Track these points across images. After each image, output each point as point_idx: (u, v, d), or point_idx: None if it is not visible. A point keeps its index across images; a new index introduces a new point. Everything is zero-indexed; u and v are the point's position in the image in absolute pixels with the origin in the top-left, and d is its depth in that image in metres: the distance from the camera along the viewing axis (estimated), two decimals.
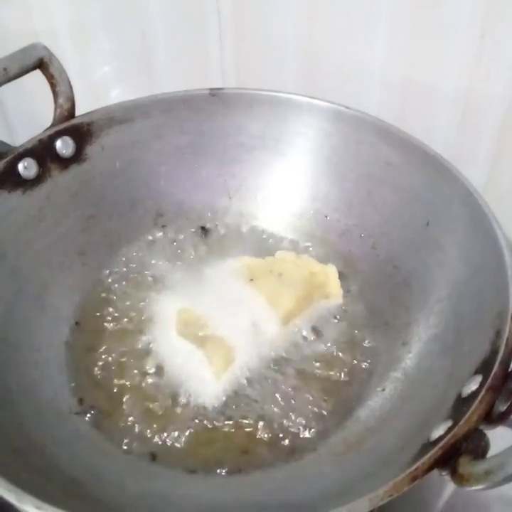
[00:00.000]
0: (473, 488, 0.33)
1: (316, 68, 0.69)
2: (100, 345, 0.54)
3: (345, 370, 0.52)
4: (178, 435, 0.48)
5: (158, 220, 0.63)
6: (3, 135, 0.89)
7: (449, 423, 0.37)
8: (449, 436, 0.35)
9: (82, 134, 0.58)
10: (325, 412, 0.49)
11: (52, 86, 0.56)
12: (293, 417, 0.49)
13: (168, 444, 0.47)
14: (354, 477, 0.42)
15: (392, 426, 0.46)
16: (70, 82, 0.57)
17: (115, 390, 0.51)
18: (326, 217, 0.61)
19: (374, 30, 0.63)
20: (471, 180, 0.50)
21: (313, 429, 0.48)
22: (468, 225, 0.49)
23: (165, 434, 0.48)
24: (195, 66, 0.77)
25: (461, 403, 0.38)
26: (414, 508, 0.55)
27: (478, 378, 0.39)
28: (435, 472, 0.35)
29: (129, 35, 0.78)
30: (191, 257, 0.61)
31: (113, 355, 0.53)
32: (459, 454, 0.35)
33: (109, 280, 0.59)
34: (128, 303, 0.57)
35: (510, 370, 0.38)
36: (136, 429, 0.48)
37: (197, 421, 0.48)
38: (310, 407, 0.50)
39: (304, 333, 0.55)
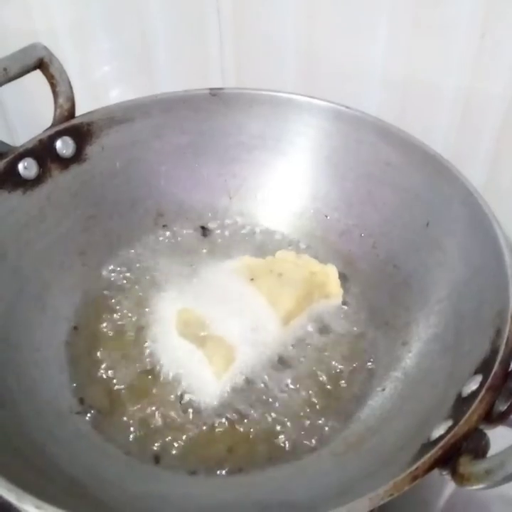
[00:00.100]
0: (474, 487, 0.33)
1: (316, 68, 0.69)
2: (100, 345, 0.54)
3: (346, 369, 0.52)
4: (179, 435, 0.48)
5: (159, 220, 0.63)
6: (3, 135, 0.89)
7: (450, 423, 0.37)
8: (449, 435, 0.35)
9: (82, 134, 0.58)
10: (325, 412, 0.49)
11: (53, 86, 0.56)
12: (293, 417, 0.49)
13: (168, 444, 0.47)
14: (354, 477, 0.42)
15: (392, 425, 0.46)
16: (70, 82, 0.57)
17: (115, 390, 0.51)
18: (326, 216, 0.61)
19: (374, 30, 0.63)
20: (471, 180, 0.50)
21: (313, 429, 0.48)
22: (468, 224, 0.49)
23: (165, 434, 0.48)
24: (195, 66, 0.77)
25: (462, 403, 0.38)
26: (415, 508, 0.55)
27: (479, 378, 0.39)
28: (435, 472, 0.35)
29: (128, 35, 0.78)
30: (191, 256, 0.61)
31: (113, 355, 0.53)
32: (459, 453, 0.35)
33: (110, 280, 0.59)
34: (128, 303, 0.57)
35: (510, 369, 0.38)
36: (137, 429, 0.48)
37: (197, 421, 0.48)
38: (310, 406, 0.50)
39: (304, 332, 0.54)
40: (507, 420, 0.37)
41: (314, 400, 0.50)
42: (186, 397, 0.50)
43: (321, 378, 0.51)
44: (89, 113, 0.58)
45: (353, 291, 0.58)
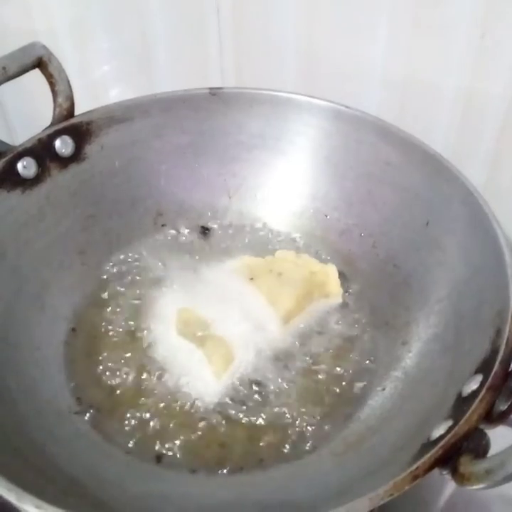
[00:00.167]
0: (474, 487, 0.33)
1: (315, 67, 0.69)
2: (100, 345, 0.54)
3: (345, 369, 0.52)
4: (178, 434, 0.48)
5: (158, 219, 0.63)
6: (3, 134, 0.89)
7: (450, 422, 0.37)
8: (449, 435, 0.35)
9: (81, 133, 0.58)
10: (325, 412, 0.49)
11: (52, 85, 0.56)
12: (293, 416, 0.49)
13: (168, 443, 0.47)
14: (354, 476, 0.42)
15: (392, 425, 0.46)
16: (69, 82, 0.57)
17: (115, 390, 0.51)
18: (326, 216, 0.61)
19: (374, 30, 0.63)
20: (471, 179, 0.50)
21: (313, 429, 0.48)
22: (468, 224, 0.49)
23: (165, 434, 0.48)
24: (195, 65, 0.77)
25: (462, 402, 0.38)
26: (415, 508, 0.55)
27: (479, 377, 0.39)
28: (436, 471, 0.35)
29: (128, 34, 0.78)
30: (191, 256, 0.61)
31: (113, 354, 0.53)
32: (459, 453, 0.35)
33: (109, 279, 0.59)
34: (128, 302, 0.57)
35: (510, 369, 0.38)
36: (136, 429, 0.48)
37: (197, 420, 0.48)
38: (310, 406, 0.50)
39: (304, 332, 0.54)
40: (507, 420, 0.37)
41: (314, 399, 0.50)
42: (186, 397, 0.50)
43: (321, 378, 0.51)
44: (88, 112, 0.58)
45: (352, 290, 0.58)
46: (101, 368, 0.52)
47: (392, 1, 0.60)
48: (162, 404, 0.49)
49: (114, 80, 0.82)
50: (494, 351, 0.40)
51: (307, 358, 0.53)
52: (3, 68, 0.52)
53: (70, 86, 0.57)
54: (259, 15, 0.69)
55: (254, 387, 0.50)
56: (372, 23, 0.63)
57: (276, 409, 0.49)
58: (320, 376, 0.52)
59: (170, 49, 0.76)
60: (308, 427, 0.48)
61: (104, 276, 0.59)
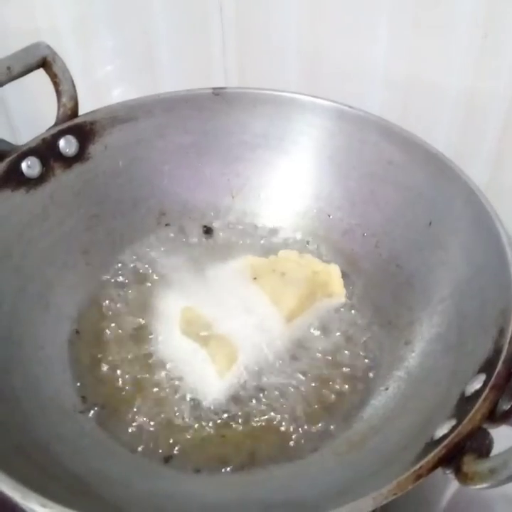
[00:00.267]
0: (478, 486, 0.33)
1: (318, 67, 0.69)
2: (103, 344, 0.54)
3: (348, 369, 0.52)
4: (182, 433, 0.48)
5: (162, 219, 0.63)
6: (6, 134, 0.89)
7: (453, 422, 0.37)
8: (453, 434, 0.35)
9: (85, 133, 0.58)
10: (328, 411, 0.49)
11: (56, 85, 0.56)
12: (296, 416, 0.49)
13: (172, 442, 0.47)
14: (357, 476, 0.42)
15: (395, 425, 0.46)
16: (73, 81, 0.57)
17: (119, 388, 0.51)
18: (329, 216, 0.61)
19: (376, 30, 0.63)
20: (474, 178, 0.51)
21: (316, 428, 0.48)
22: (470, 223, 0.50)
23: (168, 433, 0.48)
24: (198, 65, 0.77)
25: (465, 402, 0.39)
26: (417, 507, 0.55)
27: (482, 377, 0.39)
28: (438, 471, 0.35)
29: (131, 33, 0.78)
30: (194, 256, 0.61)
31: (116, 353, 0.53)
32: (463, 452, 0.35)
33: (113, 279, 0.59)
34: (131, 301, 0.57)
35: None
36: (140, 428, 0.48)
37: (200, 419, 0.49)
38: (313, 405, 0.50)
39: (307, 331, 0.55)
40: (510, 419, 0.37)
41: (317, 398, 0.50)
42: (189, 396, 0.50)
43: (324, 377, 0.51)
44: (92, 112, 0.58)
45: (355, 290, 0.58)
46: (105, 366, 0.52)
47: (394, 1, 0.60)
48: (165, 404, 0.50)
49: (116, 79, 0.82)
50: (497, 351, 0.40)
51: (310, 358, 0.53)
52: (8, 68, 0.53)
53: (74, 86, 0.57)
54: (262, 15, 0.69)
55: (258, 387, 0.50)
56: (374, 23, 0.63)
57: (279, 409, 0.49)
58: (323, 375, 0.52)
59: (173, 49, 0.76)
60: (311, 427, 0.48)
61: (108, 276, 0.59)
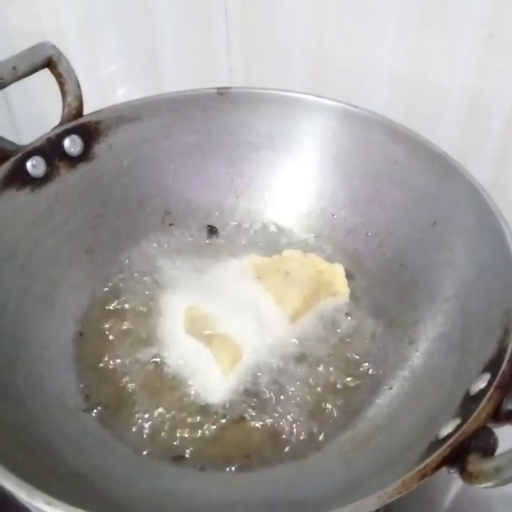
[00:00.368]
0: (483, 485, 0.33)
1: (323, 67, 0.69)
2: (108, 343, 0.54)
3: (352, 368, 0.52)
4: (186, 432, 0.48)
5: (166, 219, 0.63)
6: (9, 134, 0.89)
7: (458, 421, 0.37)
8: (457, 434, 0.35)
9: (90, 132, 0.58)
10: (332, 410, 0.49)
11: (61, 85, 0.56)
12: (300, 415, 0.49)
13: (176, 441, 0.47)
14: (362, 475, 0.42)
15: (399, 424, 0.46)
16: (78, 81, 0.57)
17: (123, 388, 0.51)
18: (333, 215, 0.61)
19: (381, 30, 0.63)
20: (478, 178, 0.51)
21: (320, 427, 0.48)
22: (475, 223, 0.49)
23: (173, 432, 0.48)
24: (202, 65, 0.77)
25: (470, 401, 0.39)
26: (421, 507, 0.55)
27: (487, 376, 0.39)
28: (441, 471, 0.35)
29: (136, 33, 0.78)
30: (198, 255, 0.61)
31: (121, 352, 0.53)
32: (467, 451, 0.35)
33: (117, 278, 0.59)
34: (136, 300, 0.57)
35: None
36: (144, 427, 0.48)
37: (205, 418, 0.49)
38: (317, 404, 0.50)
39: (311, 331, 0.55)
40: None
41: (321, 397, 0.50)
42: (194, 395, 0.50)
43: (328, 376, 0.51)
44: (97, 112, 0.58)
45: (359, 289, 0.58)
46: (109, 365, 0.52)
47: (400, 1, 0.60)
48: (169, 402, 0.50)
49: (121, 79, 0.82)
50: (502, 350, 0.40)
51: (313, 357, 0.53)
52: (13, 68, 0.53)
53: (79, 86, 0.57)
54: (267, 14, 0.69)
55: (262, 386, 0.50)
56: (379, 22, 0.63)
57: (283, 408, 0.49)
58: (327, 374, 0.52)
59: (178, 48, 0.76)
60: (316, 425, 0.48)
61: (112, 275, 0.59)
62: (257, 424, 0.48)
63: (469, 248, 0.50)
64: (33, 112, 0.84)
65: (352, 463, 0.45)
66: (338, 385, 0.51)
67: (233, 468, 0.46)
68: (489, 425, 0.36)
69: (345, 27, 0.66)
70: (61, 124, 0.57)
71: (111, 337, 0.54)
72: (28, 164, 0.54)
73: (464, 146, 0.65)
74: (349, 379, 0.51)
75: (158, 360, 0.52)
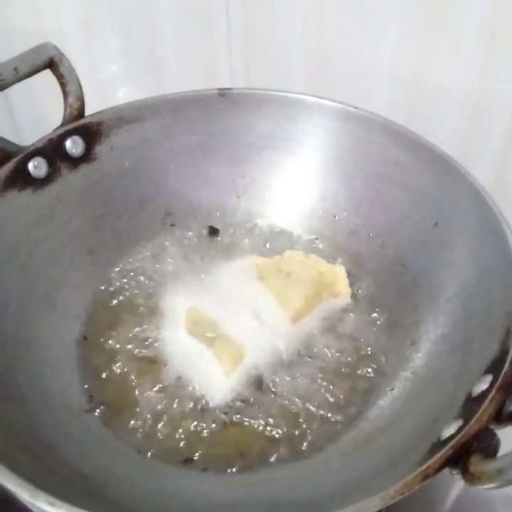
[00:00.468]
0: (485, 486, 0.33)
1: (324, 68, 0.69)
2: (110, 344, 0.54)
3: (354, 369, 0.52)
4: (188, 433, 0.48)
5: (167, 219, 0.63)
6: (10, 136, 0.89)
7: (460, 422, 0.37)
8: (460, 435, 0.35)
9: (91, 133, 0.58)
10: (334, 411, 0.49)
11: (63, 86, 0.56)
12: (301, 415, 0.49)
13: (178, 442, 0.47)
14: (364, 476, 0.42)
15: (401, 425, 0.46)
16: (79, 82, 0.57)
17: (125, 388, 0.51)
18: (335, 216, 0.61)
19: (383, 30, 0.63)
20: (480, 179, 0.51)
21: (321, 428, 0.48)
22: (477, 224, 0.49)
23: (175, 433, 0.48)
24: (204, 65, 0.77)
25: (472, 402, 0.39)
26: (422, 508, 0.55)
27: (489, 378, 0.39)
28: (443, 472, 0.35)
29: (137, 33, 0.78)
30: (200, 256, 0.61)
31: (122, 353, 0.53)
32: (469, 453, 0.35)
33: (119, 279, 0.59)
34: (137, 301, 0.57)
35: None
36: (146, 428, 0.48)
37: (207, 419, 0.49)
38: (318, 405, 0.50)
39: (313, 332, 0.55)
40: None
41: (323, 398, 0.50)
42: (195, 396, 0.50)
43: (329, 377, 0.51)
44: (98, 112, 0.58)
45: (361, 290, 0.58)
46: (111, 366, 0.52)
47: (402, 1, 0.60)
48: (172, 403, 0.50)
49: (122, 79, 0.82)
50: (504, 352, 0.40)
51: (316, 358, 0.53)
52: (15, 69, 0.53)
53: (80, 86, 0.57)
54: (269, 15, 0.69)
55: (263, 387, 0.51)
56: (381, 23, 0.63)
57: (284, 409, 0.49)
58: (328, 376, 0.52)
59: (179, 48, 0.76)
60: (317, 426, 0.48)
61: (114, 276, 0.59)
62: (258, 425, 0.48)
63: (471, 249, 0.50)
64: (34, 113, 0.84)
65: (354, 464, 0.45)
66: (339, 386, 0.51)
67: (235, 469, 0.46)
68: (491, 426, 0.36)
69: (346, 27, 0.66)
70: (63, 124, 0.57)
71: (112, 338, 0.54)
72: (30, 165, 0.54)
73: (466, 147, 0.65)
74: (350, 380, 0.51)
75: (160, 361, 0.52)
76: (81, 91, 0.57)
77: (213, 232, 0.63)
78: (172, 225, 0.63)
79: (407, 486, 0.34)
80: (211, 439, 0.48)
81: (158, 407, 0.49)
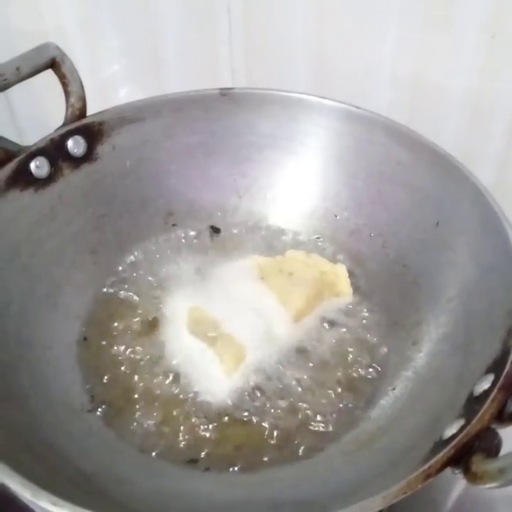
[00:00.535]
0: (487, 486, 0.33)
1: (325, 68, 0.69)
2: (112, 344, 0.54)
3: (356, 368, 0.52)
4: (190, 433, 0.48)
5: (169, 219, 0.63)
6: (12, 136, 0.89)
7: (462, 422, 0.37)
8: (462, 434, 0.35)
9: (93, 133, 0.58)
10: (335, 411, 0.49)
11: (64, 86, 0.56)
12: (303, 415, 0.49)
13: (180, 442, 0.47)
14: (366, 475, 0.42)
15: (403, 425, 0.46)
16: (81, 82, 0.57)
17: (127, 388, 0.51)
18: (336, 216, 0.62)
19: (384, 30, 0.63)
20: (481, 179, 0.51)
21: (323, 427, 0.48)
22: (478, 224, 0.49)
23: (176, 432, 0.48)
24: (205, 65, 0.77)
25: (473, 402, 0.39)
26: (424, 507, 0.55)
27: (490, 377, 0.39)
28: (445, 472, 0.35)
29: (138, 33, 0.78)
30: (201, 255, 0.61)
31: (124, 353, 0.53)
32: (471, 452, 0.35)
33: (121, 278, 0.59)
34: (139, 301, 0.57)
35: None
36: (148, 427, 0.48)
37: (208, 419, 0.49)
38: (320, 404, 0.50)
39: (314, 331, 0.55)
40: None
41: (324, 398, 0.50)
42: (197, 395, 0.50)
43: (331, 377, 0.51)
44: (100, 112, 0.59)
45: (362, 290, 0.58)
46: (113, 366, 0.52)
47: (402, 2, 0.60)
48: (173, 403, 0.50)
49: (123, 79, 0.82)
50: (505, 351, 0.40)
51: (317, 358, 0.53)
52: (17, 69, 0.53)
53: (82, 86, 0.57)
54: (270, 15, 0.69)
55: (265, 386, 0.51)
56: (381, 23, 0.63)
57: (286, 408, 0.49)
58: (330, 375, 0.52)
59: (180, 48, 0.76)
60: (319, 426, 0.48)
61: (116, 276, 0.59)
62: (260, 424, 0.48)
63: (472, 249, 0.50)
64: (35, 113, 0.84)
65: (356, 463, 0.45)
66: (341, 386, 0.51)
67: (237, 469, 0.46)
68: (493, 426, 0.36)
69: (347, 27, 0.66)
70: (64, 124, 0.57)
71: (114, 338, 0.54)
72: (32, 165, 0.54)
73: (467, 147, 0.65)
74: (352, 379, 0.51)
75: (161, 360, 0.52)
76: (83, 91, 0.57)
77: (215, 231, 0.63)
78: (173, 225, 0.63)
79: (409, 486, 0.34)
80: (213, 438, 0.48)
81: (159, 407, 0.49)
